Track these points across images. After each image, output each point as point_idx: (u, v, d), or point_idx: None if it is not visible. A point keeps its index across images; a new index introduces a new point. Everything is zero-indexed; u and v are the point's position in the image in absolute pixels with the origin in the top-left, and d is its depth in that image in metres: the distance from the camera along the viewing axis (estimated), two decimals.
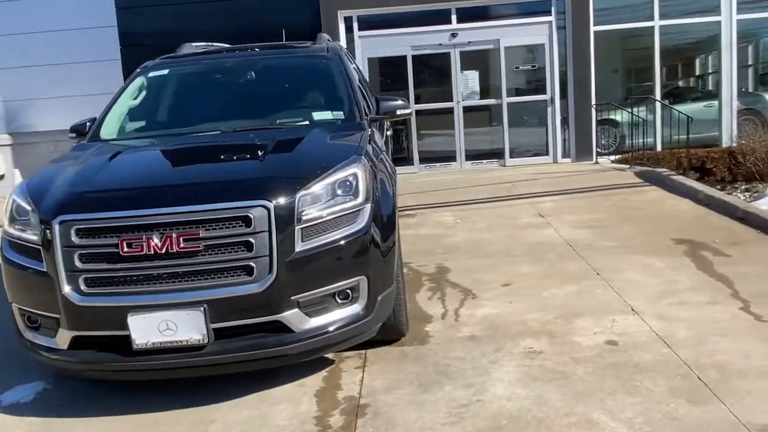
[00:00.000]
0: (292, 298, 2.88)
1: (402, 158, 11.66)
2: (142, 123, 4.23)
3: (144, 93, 4.35)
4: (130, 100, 4.36)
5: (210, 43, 5.59)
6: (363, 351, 3.52)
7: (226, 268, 2.81)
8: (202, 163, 3.39)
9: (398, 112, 4.25)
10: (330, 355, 3.48)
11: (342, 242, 2.98)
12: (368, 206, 3.10)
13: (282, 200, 2.86)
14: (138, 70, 4.49)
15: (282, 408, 2.98)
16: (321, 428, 2.79)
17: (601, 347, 3.37)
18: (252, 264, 2.81)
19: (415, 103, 11.64)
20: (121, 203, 2.86)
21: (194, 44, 5.25)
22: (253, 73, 4.39)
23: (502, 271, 4.84)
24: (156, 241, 2.74)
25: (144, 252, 2.75)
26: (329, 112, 4.08)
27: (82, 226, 2.81)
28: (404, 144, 11.76)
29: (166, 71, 4.45)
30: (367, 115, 4.10)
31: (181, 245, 2.76)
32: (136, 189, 3.00)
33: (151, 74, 4.43)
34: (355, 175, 3.11)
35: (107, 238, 2.80)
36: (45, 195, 3.00)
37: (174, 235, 2.75)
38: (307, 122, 3.99)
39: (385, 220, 3.21)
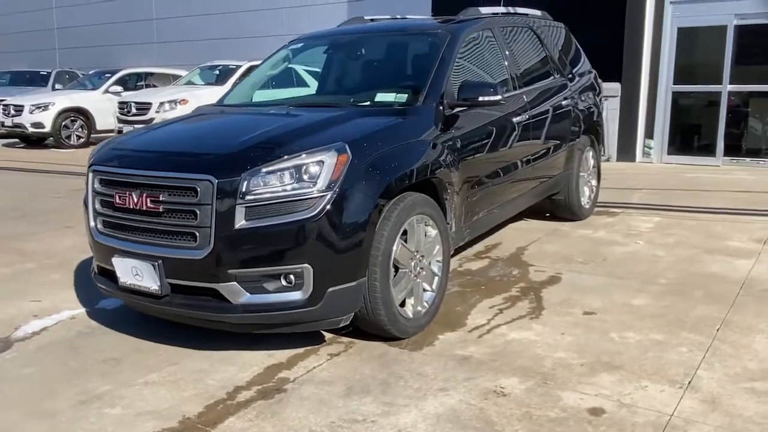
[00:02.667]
0: (230, 271, 3.02)
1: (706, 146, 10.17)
2: (249, 93, 4.68)
3: (274, 66, 4.79)
4: (269, 70, 4.85)
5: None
6: (355, 340, 3.47)
7: (177, 232, 3.10)
8: (208, 135, 3.66)
9: (481, 98, 3.84)
10: (327, 334, 3.53)
11: (287, 227, 2.99)
12: (327, 195, 3.01)
13: (227, 177, 2.99)
14: (285, 45, 4.93)
15: (228, 371, 3.18)
16: (227, 398, 2.94)
17: (581, 413, 2.70)
18: (196, 233, 3.04)
19: (731, 83, 9.88)
20: (124, 162, 3.35)
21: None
22: (363, 51, 4.43)
23: (612, 297, 4.05)
24: (134, 197, 3.18)
25: (127, 205, 3.22)
26: (394, 93, 3.92)
27: (100, 177, 3.41)
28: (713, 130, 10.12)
29: (299, 45, 4.80)
30: (441, 99, 3.83)
31: (148, 205, 3.14)
32: (141, 152, 3.45)
33: (289, 48, 4.84)
34: (320, 162, 3.05)
35: (110, 189, 3.34)
36: (100, 148, 3.69)
37: (144, 195, 3.15)
38: (367, 102, 3.92)
39: (352, 213, 3.07)
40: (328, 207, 3.01)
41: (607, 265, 4.74)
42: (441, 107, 3.82)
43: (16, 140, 14.73)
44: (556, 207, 5.92)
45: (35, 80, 17.18)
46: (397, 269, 3.38)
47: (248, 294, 3.06)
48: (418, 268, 3.53)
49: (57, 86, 16.41)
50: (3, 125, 13.74)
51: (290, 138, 3.25)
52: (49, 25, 21.59)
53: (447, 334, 3.55)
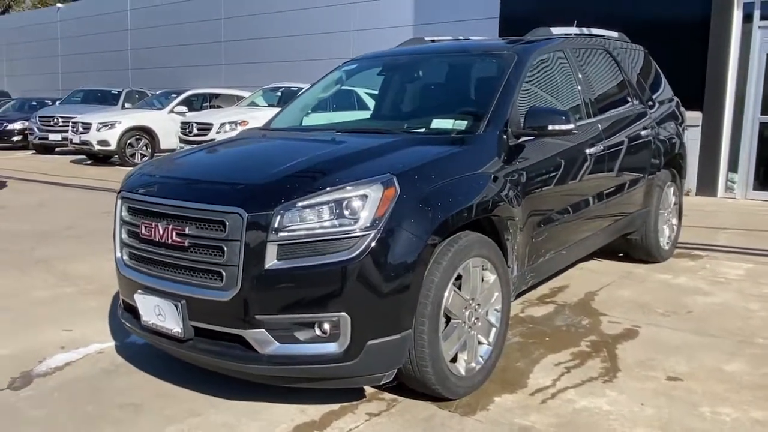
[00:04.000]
0: (258, 316, 2.67)
1: None
2: (299, 116, 4.37)
3: (326, 89, 4.48)
4: (320, 93, 4.55)
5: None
6: (399, 398, 3.06)
7: (203, 270, 2.78)
8: (243, 163, 3.32)
9: (550, 127, 3.40)
10: (368, 389, 3.13)
11: (323, 269, 2.62)
12: (371, 234, 2.64)
13: (258, 211, 2.65)
14: (338, 66, 4.62)
15: (252, 428, 2.83)
16: None
17: None
18: (222, 271, 2.71)
19: None
20: (151, 189, 3.06)
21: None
22: (420, 72, 4.07)
23: (700, 359, 3.49)
24: (160, 229, 2.88)
25: (153, 237, 2.92)
26: (453, 119, 3.52)
27: (128, 204, 3.14)
28: None
29: (353, 66, 4.48)
30: (505, 127, 3.41)
31: (173, 238, 2.84)
32: (170, 178, 3.15)
33: (342, 69, 4.52)
34: (364, 197, 2.67)
35: (137, 218, 3.06)
36: (132, 172, 3.43)
37: (170, 226, 2.85)
38: (422, 129, 3.54)
39: (398, 255, 2.68)
40: (372, 247, 2.63)
41: (693, 318, 4.17)
42: (504, 136, 3.40)
43: (84, 157, 15.07)
44: (631, 247, 5.35)
45: (106, 99, 17.66)
46: (448, 320, 2.96)
47: (277, 343, 2.69)
48: (473, 319, 3.09)
49: (126, 105, 16.79)
50: (71, 142, 14.08)
51: (331, 168, 2.89)
52: (123, 46, 22.32)
53: (504, 397, 3.09)
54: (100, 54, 23.31)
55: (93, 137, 13.60)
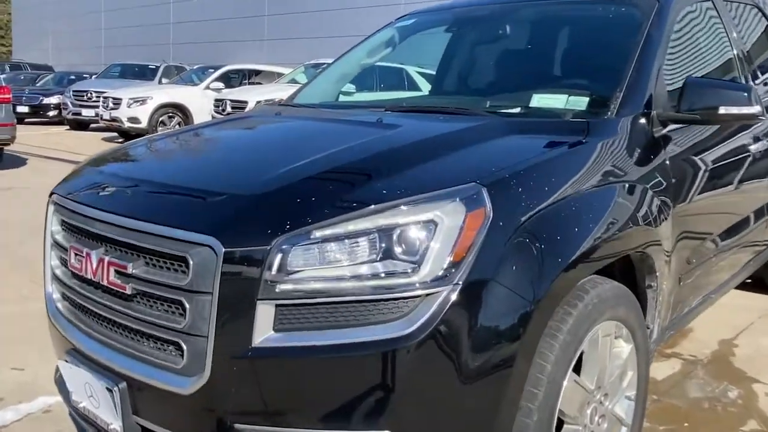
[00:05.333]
0: (237, 427, 1.54)
1: None
2: (334, 89, 3.17)
3: (372, 53, 3.27)
4: (365, 58, 3.36)
5: None
6: None
7: (153, 337, 1.65)
8: (234, 158, 2.11)
9: (723, 110, 2.15)
10: None
11: (355, 354, 1.46)
12: (443, 292, 1.46)
13: (243, 243, 1.50)
14: (389, 23, 3.41)
15: None
16: None
17: None
18: (182, 343, 1.58)
19: None
20: (92, 195, 1.92)
21: None
22: (508, 28, 2.84)
23: None
24: (93, 260, 1.75)
25: (83, 272, 1.80)
26: (565, 95, 2.29)
27: (59, 215, 2.02)
28: None
29: (410, 22, 3.26)
30: (647, 109, 2.18)
31: (110, 278, 1.71)
32: (120, 180, 1.95)
33: (395, 26, 3.31)
34: (431, 225, 1.50)
35: (69, 237, 1.94)
36: (79, 166, 2.31)
37: (106, 259, 1.72)
38: (517, 110, 2.32)
39: (489, 331, 1.51)
40: (444, 315, 1.46)
41: None
42: (646, 122, 2.18)
43: (117, 135, 14.27)
44: None
45: (144, 74, 16.84)
46: (561, 424, 1.78)
47: None
48: (596, 418, 1.90)
49: (164, 80, 15.92)
50: (102, 118, 13.26)
51: (374, 171, 1.72)
52: (165, 20, 21.52)
53: None
54: (143, 28, 22.61)
55: (123, 113, 12.72)
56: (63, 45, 27.56)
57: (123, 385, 1.68)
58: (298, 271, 1.49)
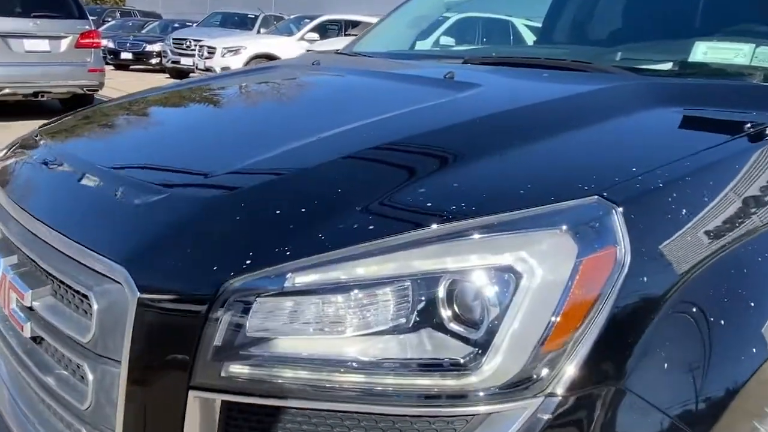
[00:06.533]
0: None
1: None
2: (407, 35, 2.41)
3: None
4: None
5: None
6: None
7: (58, 414, 1.05)
8: (200, 139, 1.34)
9: None
10: None
11: None
12: (527, 410, 0.76)
13: (172, 282, 0.85)
14: None
15: None
16: None
17: None
18: (81, 429, 0.97)
19: None
20: (20, 182, 1.33)
21: None
22: None
23: None
24: (14, 295, 1.16)
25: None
26: (752, 45, 1.43)
27: None
28: None
29: None
30: None
31: (10, 305, 1.12)
32: (48, 164, 1.30)
33: None
34: (507, 276, 0.78)
35: None
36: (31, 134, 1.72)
37: (9, 277, 1.12)
38: (669, 66, 1.50)
39: None
40: None
41: None
42: None
43: None
44: None
45: (244, 23, 16.58)
46: None
47: None
48: None
49: (262, 30, 15.57)
50: (197, 68, 13.07)
51: (406, 166, 1.01)
52: None
53: None
54: None
55: (217, 63, 12.44)
56: None
57: None
58: (263, 340, 0.83)
